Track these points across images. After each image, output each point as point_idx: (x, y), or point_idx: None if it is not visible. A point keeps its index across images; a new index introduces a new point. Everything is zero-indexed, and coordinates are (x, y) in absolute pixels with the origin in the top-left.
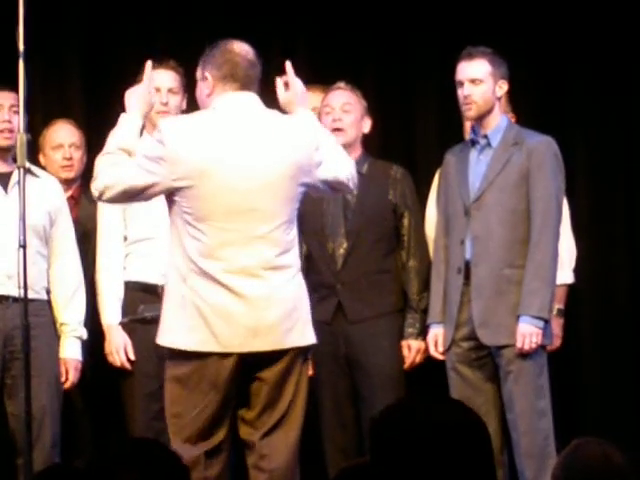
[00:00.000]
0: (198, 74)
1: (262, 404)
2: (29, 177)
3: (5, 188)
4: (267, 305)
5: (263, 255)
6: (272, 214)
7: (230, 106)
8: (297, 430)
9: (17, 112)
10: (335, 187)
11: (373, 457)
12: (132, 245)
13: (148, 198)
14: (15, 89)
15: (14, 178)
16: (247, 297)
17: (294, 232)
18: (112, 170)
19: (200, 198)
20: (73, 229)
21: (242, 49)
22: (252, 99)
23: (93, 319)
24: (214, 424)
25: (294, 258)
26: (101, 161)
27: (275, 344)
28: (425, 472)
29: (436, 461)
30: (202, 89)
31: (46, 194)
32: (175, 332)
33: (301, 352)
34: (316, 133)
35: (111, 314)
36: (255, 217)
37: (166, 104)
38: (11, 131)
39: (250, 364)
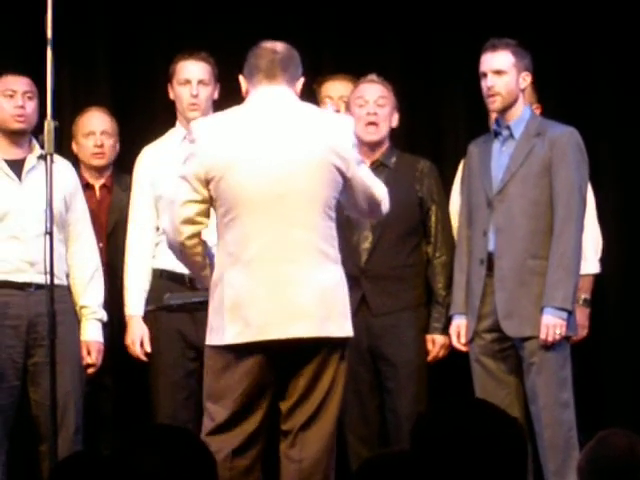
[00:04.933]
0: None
1: (298, 395)
2: (44, 163)
3: (19, 176)
4: (301, 290)
5: (300, 240)
6: (308, 198)
7: (260, 98)
8: (331, 424)
9: (31, 98)
10: (369, 201)
11: (414, 451)
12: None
13: (195, 213)
14: (30, 75)
15: (27, 165)
16: (282, 283)
17: (333, 221)
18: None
19: (231, 187)
20: (88, 212)
21: (269, 43)
22: (283, 91)
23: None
24: (246, 415)
25: (333, 248)
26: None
27: (310, 331)
28: (462, 470)
29: (473, 464)
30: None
31: (61, 179)
32: (215, 330)
33: (339, 345)
34: (352, 131)
35: (133, 305)
36: (290, 201)
37: (196, 96)
38: (24, 116)
39: (286, 355)
